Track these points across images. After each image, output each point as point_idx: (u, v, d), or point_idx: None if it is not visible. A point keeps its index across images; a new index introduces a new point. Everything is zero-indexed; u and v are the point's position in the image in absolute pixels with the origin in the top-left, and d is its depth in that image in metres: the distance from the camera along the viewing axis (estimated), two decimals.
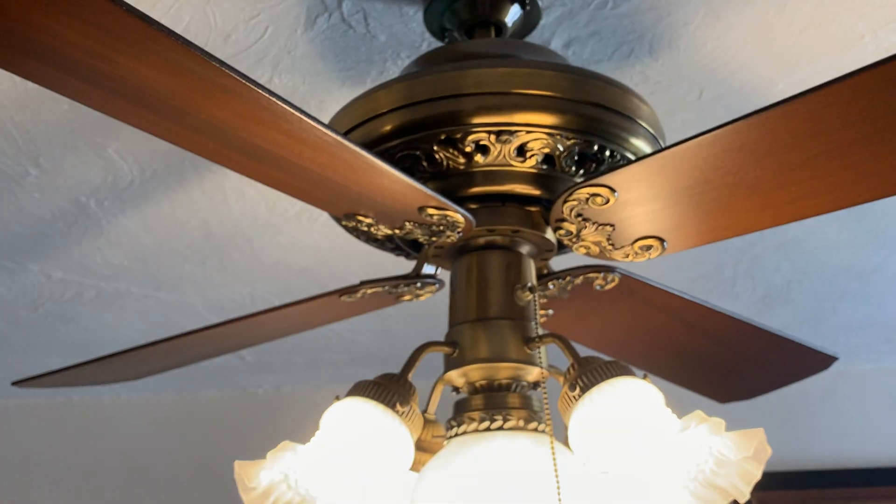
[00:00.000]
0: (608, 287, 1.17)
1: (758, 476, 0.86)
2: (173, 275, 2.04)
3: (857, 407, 2.66)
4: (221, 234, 1.87)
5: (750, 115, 0.83)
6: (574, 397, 0.92)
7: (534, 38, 1.31)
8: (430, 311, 2.21)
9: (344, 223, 1.12)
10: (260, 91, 0.76)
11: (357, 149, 0.85)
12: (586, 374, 0.92)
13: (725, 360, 1.42)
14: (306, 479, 0.91)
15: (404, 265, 1.98)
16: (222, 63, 0.73)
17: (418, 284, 1.14)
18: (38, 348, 2.39)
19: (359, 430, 0.92)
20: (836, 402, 2.67)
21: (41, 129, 1.52)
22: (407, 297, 1.20)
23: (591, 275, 1.15)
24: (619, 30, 1.33)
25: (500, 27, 1.20)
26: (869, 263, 2.07)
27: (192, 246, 1.92)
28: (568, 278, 1.15)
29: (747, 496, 0.86)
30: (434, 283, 1.16)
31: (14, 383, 1.44)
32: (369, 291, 1.13)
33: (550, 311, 1.23)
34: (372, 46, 1.34)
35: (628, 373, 0.93)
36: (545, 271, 1.17)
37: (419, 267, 1.14)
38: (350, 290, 1.14)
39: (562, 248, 1.15)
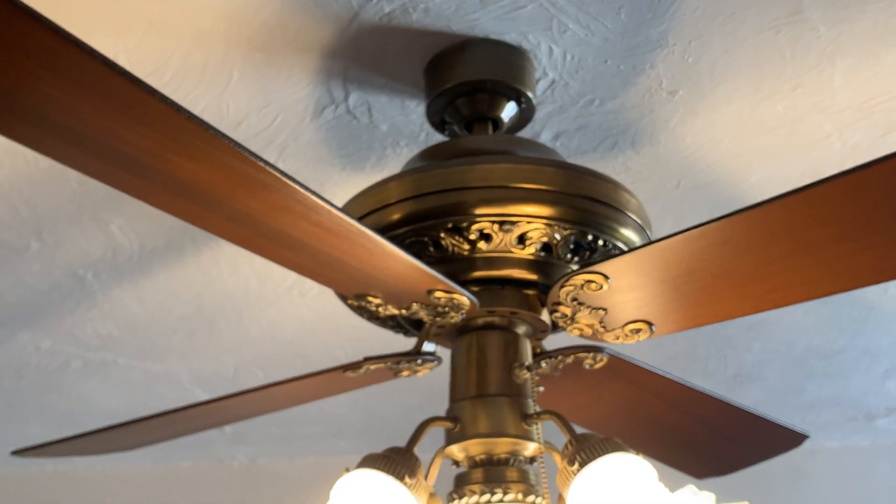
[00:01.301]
0: (597, 366, 1.24)
1: None
2: (161, 346, 2.07)
3: (823, 484, 2.73)
4: (212, 307, 1.92)
5: (733, 214, 0.92)
6: (573, 472, 0.98)
7: (525, 131, 1.41)
8: (407, 384, 2.26)
9: (350, 302, 1.19)
10: (296, 186, 0.83)
11: (377, 237, 0.92)
12: (584, 450, 0.99)
13: (703, 438, 1.49)
14: None
15: (390, 339, 2.04)
16: (265, 161, 0.80)
17: (419, 361, 1.20)
18: (18, 416, 2.39)
19: (369, 501, 0.97)
20: (802, 478, 2.74)
21: (48, 205, 1.57)
22: (405, 373, 1.25)
23: (581, 354, 1.22)
24: (605, 125, 1.43)
25: (496, 122, 1.29)
26: (834, 345, 2.16)
27: (182, 318, 1.96)
28: (560, 357, 1.21)
29: None
30: (433, 361, 1.22)
31: (14, 452, 1.46)
32: (372, 367, 1.19)
33: (541, 389, 1.29)
34: (373, 135, 1.43)
35: (624, 449, 0.99)
36: (538, 350, 1.23)
37: (420, 344, 1.20)
38: (354, 365, 1.19)
39: (555, 328, 1.22)
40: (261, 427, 2.59)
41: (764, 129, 1.44)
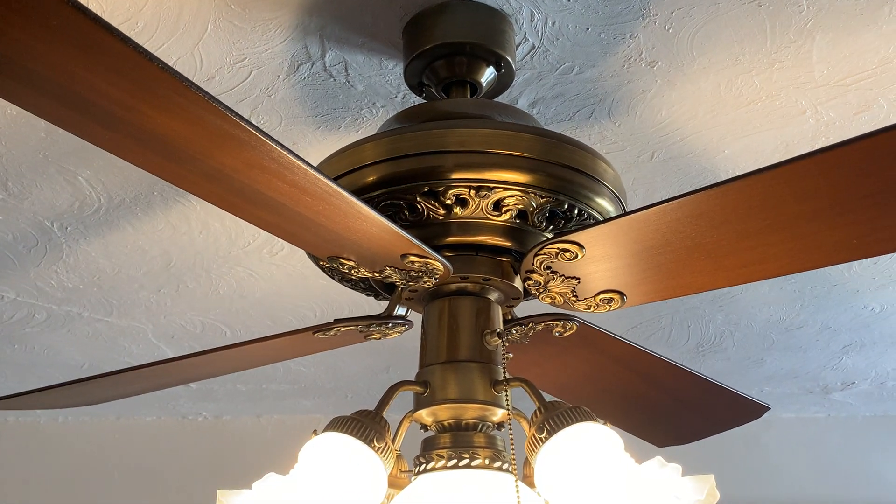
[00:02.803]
0: (566, 334, 1.25)
1: None
2: (127, 300, 2.05)
3: (778, 454, 2.79)
4: (181, 264, 1.90)
5: (710, 187, 0.92)
6: (541, 439, 0.98)
7: (503, 97, 1.40)
8: (373, 345, 2.26)
9: (323, 264, 1.18)
10: (272, 144, 0.82)
11: (352, 198, 0.91)
12: (553, 419, 0.99)
13: (666, 407, 1.51)
14: None
15: (360, 301, 2.04)
16: (240, 116, 0.79)
17: (389, 325, 1.20)
18: None
19: (338, 464, 0.97)
20: (759, 448, 2.79)
21: (14, 154, 1.54)
22: (376, 336, 1.25)
23: (551, 322, 1.22)
24: (582, 93, 1.42)
25: (474, 86, 1.28)
26: (795, 320, 2.20)
27: (149, 273, 1.94)
28: (531, 325, 1.22)
29: None
30: (404, 325, 1.21)
31: None
32: (343, 330, 1.18)
33: (510, 355, 1.30)
34: (349, 95, 1.41)
35: (592, 418, 1.00)
36: (509, 317, 1.23)
37: (391, 308, 1.20)
38: (324, 327, 1.19)
39: (527, 295, 1.22)
40: (227, 384, 2.59)
41: (740, 104, 1.45)
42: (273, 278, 1.97)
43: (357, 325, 1.19)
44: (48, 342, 2.25)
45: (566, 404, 1.02)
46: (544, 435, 0.98)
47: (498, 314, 1.16)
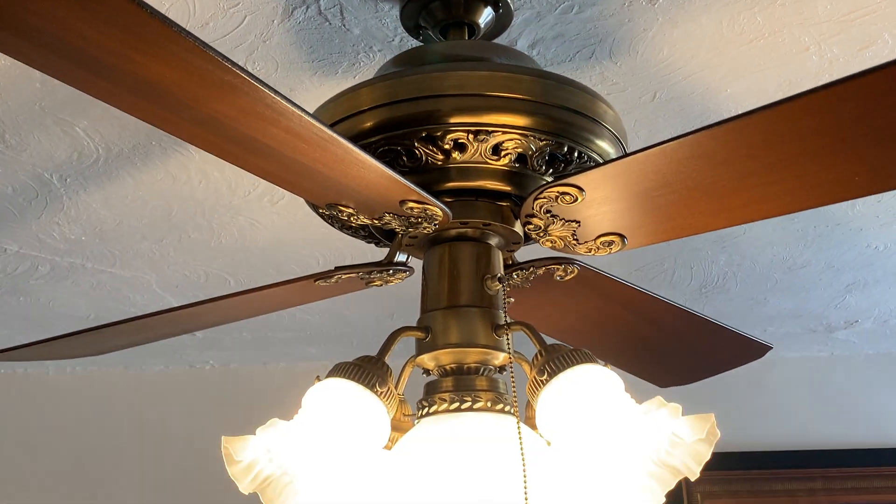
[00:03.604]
0: (567, 278, 1.25)
1: (707, 457, 0.94)
2: (129, 251, 2.06)
3: (781, 393, 2.81)
4: (182, 214, 1.90)
5: (711, 126, 0.91)
6: (542, 381, 0.99)
7: (501, 38, 1.38)
8: (377, 293, 2.27)
9: (322, 211, 1.17)
10: (265, 90, 0.80)
11: (349, 145, 0.90)
12: (554, 361, 1.00)
13: (668, 348, 1.51)
14: (288, 455, 0.96)
15: (361, 248, 2.04)
16: (233, 63, 0.78)
17: (390, 271, 1.20)
18: None
19: (341, 409, 0.98)
20: (762, 388, 2.81)
21: (10, 105, 1.52)
22: (377, 283, 1.25)
23: (552, 266, 1.22)
24: (583, 33, 1.40)
25: (472, 27, 1.26)
26: (799, 259, 2.19)
27: (151, 224, 1.94)
28: (531, 269, 1.22)
29: (697, 474, 0.94)
30: (405, 271, 1.21)
31: None
32: (344, 277, 1.18)
33: (511, 300, 1.30)
34: (345, 39, 1.39)
35: (592, 360, 1.00)
36: (510, 262, 1.23)
37: (392, 255, 1.20)
38: (325, 275, 1.19)
39: (527, 240, 1.22)
40: (233, 332, 2.60)
41: (742, 41, 1.42)
42: (275, 227, 1.97)
43: (358, 273, 1.19)
44: (53, 294, 2.26)
45: (567, 347, 1.02)
46: (545, 377, 0.99)
47: (498, 259, 1.16)
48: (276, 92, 0.81)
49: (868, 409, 2.80)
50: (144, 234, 1.98)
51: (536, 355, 1.03)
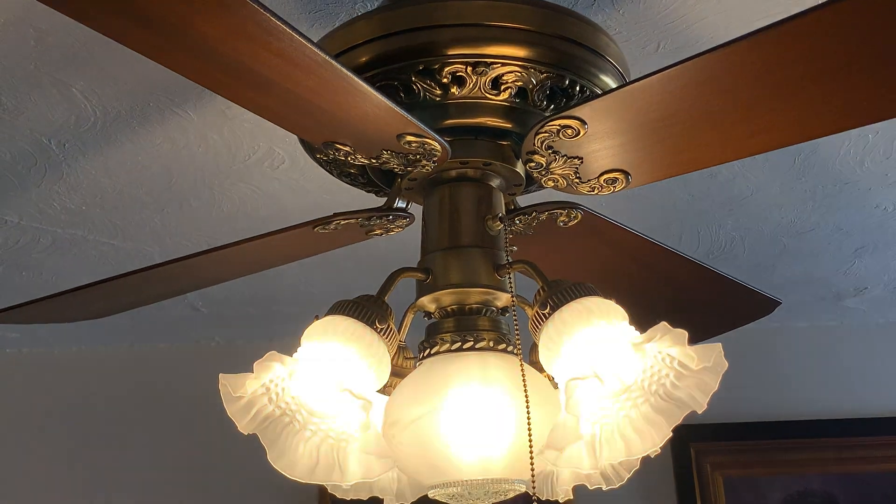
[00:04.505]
0: (571, 224, 1.23)
1: (714, 387, 0.92)
2: (132, 221, 2.04)
3: (791, 363, 2.78)
4: (182, 181, 1.88)
5: (715, 49, 0.89)
6: (545, 315, 0.97)
7: None
8: (385, 262, 2.25)
9: (319, 156, 1.15)
10: (254, 5, 0.79)
11: (344, 70, 0.88)
12: (556, 294, 0.98)
13: (675, 301, 1.49)
14: (287, 391, 0.94)
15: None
16: None
17: (390, 217, 1.18)
18: None
19: (339, 345, 0.96)
20: (771, 359, 2.78)
21: (5, 66, 1.51)
22: (378, 232, 1.23)
23: (555, 211, 1.20)
24: None
25: None
26: (807, 222, 2.17)
27: (151, 192, 1.92)
28: (534, 214, 1.20)
29: (704, 406, 0.92)
30: (405, 217, 1.19)
31: None
32: (343, 222, 1.17)
33: (514, 248, 1.28)
34: None
35: (595, 293, 0.98)
36: (512, 207, 1.21)
37: (392, 200, 1.18)
38: (324, 220, 1.17)
39: (529, 184, 1.20)
40: (238, 308, 2.59)
41: None
42: (276, 195, 1.95)
43: (357, 219, 1.17)
44: (56, 267, 2.25)
45: (569, 281, 1.00)
46: (547, 310, 0.97)
47: (500, 200, 1.14)
48: (265, 8, 0.79)
49: (878, 378, 2.77)
50: (145, 203, 1.97)
51: (539, 291, 1.01)
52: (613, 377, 0.89)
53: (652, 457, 1.08)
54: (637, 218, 2.13)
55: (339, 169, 1.18)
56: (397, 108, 0.94)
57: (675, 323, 1.62)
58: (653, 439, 0.92)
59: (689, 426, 2.67)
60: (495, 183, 1.14)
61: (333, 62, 0.87)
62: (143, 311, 2.51)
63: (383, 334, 0.99)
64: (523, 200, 1.29)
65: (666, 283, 1.44)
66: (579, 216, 1.22)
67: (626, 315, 0.97)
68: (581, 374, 0.89)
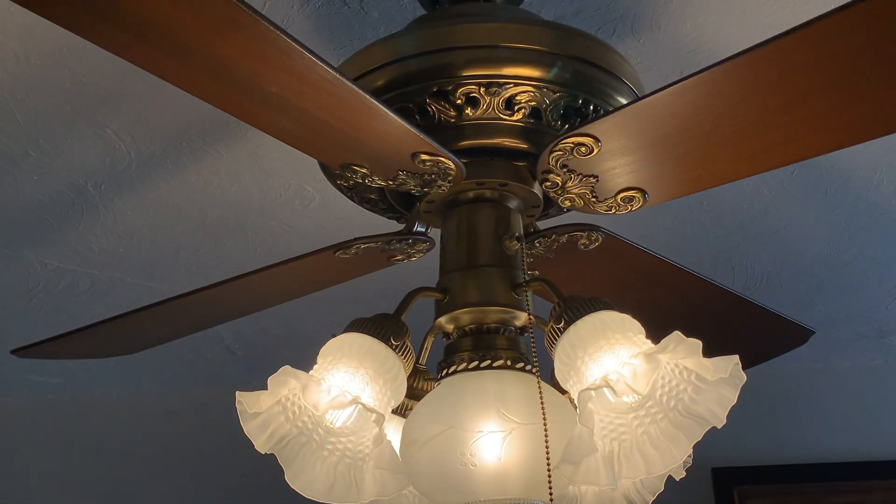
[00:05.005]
0: (592, 247, 1.22)
1: (733, 400, 0.90)
2: (168, 263, 2.07)
3: (835, 403, 2.71)
4: (216, 220, 1.91)
5: (725, 60, 0.89)
6: (560, 329, 0.96)
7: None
8: (419, 303, 2.25)
9: (340, 182, 1.17)
10: (266, 24, 0.81)
11: (355, 88, 0.90)
12: (571, 309, 0.97)
13: (703, 330, 1.46)
14: (304, 409, 0.95)
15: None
16: None
17: (410, 241, 1.19)
18: (30, 339, 2.41)
19: (354, 361, 0.96)
20: (816, 398, 2.72)
21: (42, 108, 1.56)
22: (399, 257, 1.24)
23: (575, 233, 1.20)
24: (603, 8, 1.39)
25: (488, 1, 1.26)
26: (844, 255, 2.13)
27: (186, 232, 1.95)
28: (553, 236, 1.20)
29: (724, 421, 0.90)
30: (425, 241, 1.20)
31: (14, 351, 1.46)
32: (363, 246, 1.18)
33: (536, 273, 1.27)
34: (365, 23, 1.40)
35: (611, 307, 0.98)
36: (532, 230, 1.21)
37: (411, 224, 1.19)
38: (345, 245, 1.18)
39: (548, 207, 1.20)
40: (274, 350, 2.60)
41: (768, 9, 1.40)
42: (307, 233, 1.97)
43: (377, 242, 1.18)
44: (95, 311, 2.28)
45: (584, 297, 0.99)
46: (562, 325, 0.96)
47: (517, 221, 1.14)
48: (277, 27, 0.82)
49: None
50: (181, 244, 2.00)
51: (554, 307, 1.00)
52: (629, 390, 0.88)
53: (677, 479, 1.06)
54: (669, 252, 2.10)
55: (359, 195, 1.20)
56: (410, 126, 0.95)
57: (706, 353, 1.59)
58: (673, 456, 0.91)
59: (732, 469, 2.65)
60: (513, 204, 1.15)
61: (344, 80, 0.88)
62: (179, 355, 2.54)
63: (398, 351, 0.99)
64: (546, 225, 1.29)
65: (694, 309, 1.42)
66: (600, 239, 1.21)
67: (642, 329, 0.96)
68: (597, 388, 0.88)
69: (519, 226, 1.14)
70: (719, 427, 0.91)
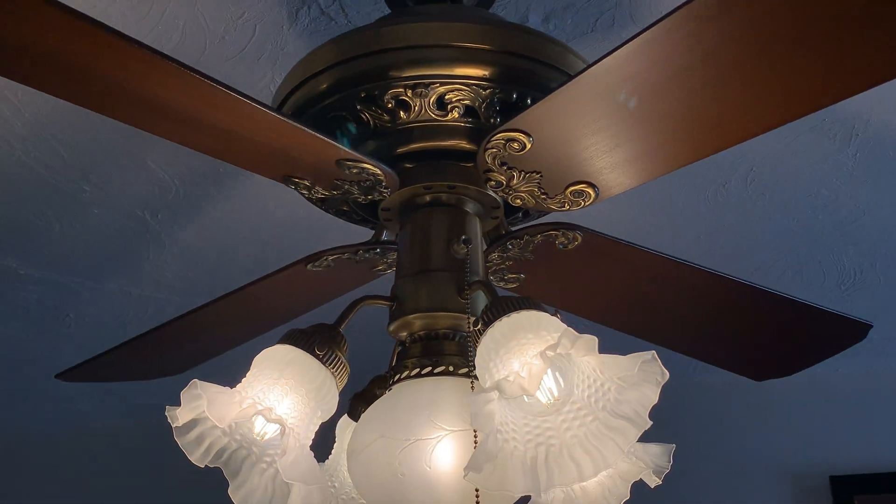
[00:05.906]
0: (571, 246, 1.17)
1: (654, 399, 0.82)
2: (237, 285, 2.14)
3: None
4: (272, 240, 1.95)
5: (651, 26, 0.80)
6: (479, 332, 0.92)
7: (509, 13, 1.34)
8: None
9: (307, 194, 1.17)
10: (156, 57, 0.82)
11: (256, 105, 0.89)
12: (492, 311, 0.93)
13: (723, 329, 1.36)
14: (234, 425, 0.95)
15: None
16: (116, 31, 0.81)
17: (378, 250, 1.18)
18: None
19: (276, 372, 0.95)
20: None
21: (88, 144, 1.64)
22: (380, 268, 1.23)
23: (550, 233, 1.15)
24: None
25: (454, 3, 1.23)
26: None
27: (248, 255, 2.01)
28: (526, 237, 1.15)
29: (648, 423, 0.83)
30: (395, 250, 1.18)
31: (57, 376, 1.55)
32: (331, 258, 1.18)
33: (522, 276, 1.23)
34: None
35: (534, 307, 0.92)
36: (503, 231, 1.17)
37: (379, 233, 1.18)
38: (313, 257, 1.18)
39: (516, 212, 1.16)
40: None
41: None
42: None
43: (345, 254, 1.18)
44: None
45: (515, 297, 0.95)
46: (480, 327, 0.92)
47: (473, 224, 1.10)
48: (177, 62, 0.83)
49: None
50: (245, 266, 2.05)
51: (484, 309, 0.96)
52: (521, 391, 0.82)
53: (651, 486, 0.99)
54: (742, 254, 1.99)
55: (333, 207, 1.20)
56: (324, 137, 0.95)
57: (746, 357, 1.47)
58: (605, 459, 0.85)
59: (854, 477, 2.46)
60: (469, 207, 1.11)
61: (245, 100, 0.88)
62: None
63: (326, 361, 0.97)
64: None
65: (709, 307, 1.32)
66: (578, 238, 1.16)
67: (560, 327, 0.90)
68: (489, 387, 0.84)
69: (474, 229, 1.10)
70: (646, 428, 0.84)
